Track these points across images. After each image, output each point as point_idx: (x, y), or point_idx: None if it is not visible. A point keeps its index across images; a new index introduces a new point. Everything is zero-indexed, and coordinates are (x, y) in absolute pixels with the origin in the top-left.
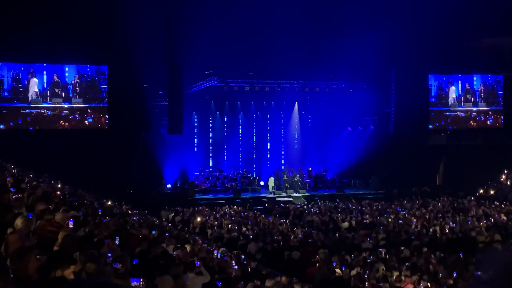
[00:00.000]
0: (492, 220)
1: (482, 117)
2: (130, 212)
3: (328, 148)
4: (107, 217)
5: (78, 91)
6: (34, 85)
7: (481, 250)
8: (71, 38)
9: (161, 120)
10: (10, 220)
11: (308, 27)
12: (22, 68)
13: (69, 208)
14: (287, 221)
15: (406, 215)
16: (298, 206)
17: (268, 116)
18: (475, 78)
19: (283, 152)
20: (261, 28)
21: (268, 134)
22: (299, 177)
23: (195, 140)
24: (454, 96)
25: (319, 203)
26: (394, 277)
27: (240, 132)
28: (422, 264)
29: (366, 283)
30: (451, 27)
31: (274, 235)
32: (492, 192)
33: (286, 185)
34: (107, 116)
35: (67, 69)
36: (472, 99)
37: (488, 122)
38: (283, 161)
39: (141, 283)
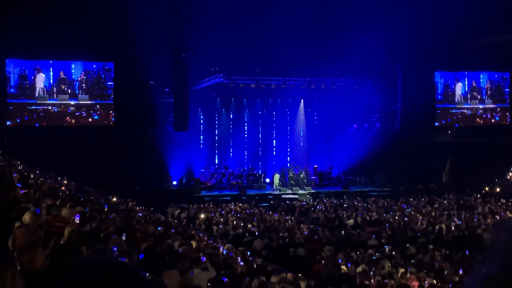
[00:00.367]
0: (498, 217)
1: (488, 114)
2: (136, 208)
3: (334, 145)
4: (113, 213)
5: (84, 87)
6: (40, 82)
7: (487, 248)
8: (78, 35)
9: (167, 117)
10: (17, 215)
11: (314, 24)
12: (29, 65)
13: (76, 204)
14: (293, 218)
15: (412, 212)
16: (304, 203)
17: (274, 113)
18: (481, 76)
19: (288, 149)
20: (267, 25)
21: (274, 131)
22: (304, 174)
23: (201, 137)
24: (460, 94)
25: (325, 200)
26: (400, 274)
27: (245, 129)
28: (427, 262)
29: (372, 280)
30: (457, 24)
31: (279, 232)
32: (498, 189)
33: (292, 182)
34: (113, 113)
35: (73, 66)
36: (479, 96)
37: (494, 120)
38: (288, 158)
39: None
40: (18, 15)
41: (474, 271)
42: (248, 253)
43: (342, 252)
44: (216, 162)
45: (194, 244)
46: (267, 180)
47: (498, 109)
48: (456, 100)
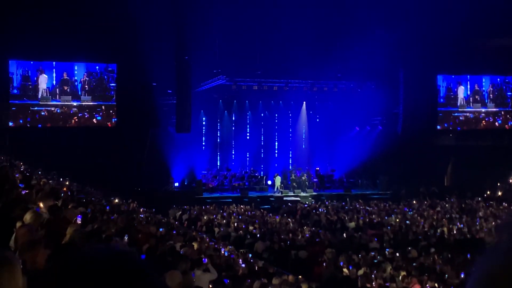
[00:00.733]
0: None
1: (490, 118)
2: (137, 209)
3: (336, 148)
4: (115, 215)
5: (87, 89)
6: (43, 83)
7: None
8: (81, 36)
9: (169, 119)
10: (19, 215)
11: (317, 27)
12: (32, 66)
13: (78, 204)
14: (294, 220)
15: (414, 216)
16: (306, 205)
17: (276, 115)
18: (484, 79)
19: (290, 152)
20: (270, 27)
21: (276, 134)
22: (306, 177)
23: (203, 138)
24: (463, 97)
25: (327, 203)
26: (401, 277)
27: (248, 131)
28: (429, 265)
29: (373, 283)
30: (460, 27)
31: (281, 234)
32: (500, 193)
33: (294, 184)
34: (115, 114)
35: (76, 67)
36: (481, 100)
37: (497, 123)
38: (290, 160)
39: None
40: (21, 16)
41: (474, 270)
42: (250, 255)
43: (344, 254)
44: (218, 164)
45: (195, 245)
46: (269, 182)
47: (501, 113)
48: (458, 104)
